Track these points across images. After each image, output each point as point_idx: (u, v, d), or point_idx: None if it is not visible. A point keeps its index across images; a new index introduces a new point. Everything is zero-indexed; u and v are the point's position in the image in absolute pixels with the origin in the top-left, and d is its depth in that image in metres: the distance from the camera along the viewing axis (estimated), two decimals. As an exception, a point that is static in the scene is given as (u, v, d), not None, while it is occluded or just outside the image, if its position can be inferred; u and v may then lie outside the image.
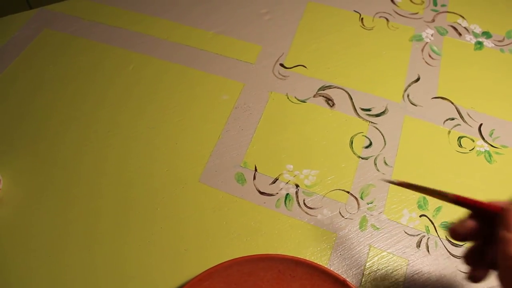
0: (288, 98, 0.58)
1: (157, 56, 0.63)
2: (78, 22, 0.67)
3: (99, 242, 0.48)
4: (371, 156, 0.53)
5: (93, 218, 0.49)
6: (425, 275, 0.47)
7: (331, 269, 0.45)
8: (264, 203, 0.50)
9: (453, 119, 0.57)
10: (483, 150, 0.55)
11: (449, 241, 0.49)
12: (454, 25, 0.67)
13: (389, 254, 0.47)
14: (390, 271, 0.47)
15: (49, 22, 0.67)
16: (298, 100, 0.58)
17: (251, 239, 0.47)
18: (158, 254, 0.47)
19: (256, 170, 0.52)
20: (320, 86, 0.59)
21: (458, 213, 0.48)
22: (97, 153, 0.54)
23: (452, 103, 0.58)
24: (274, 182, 0.51)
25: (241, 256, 0.44)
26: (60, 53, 0.63)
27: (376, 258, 0.47)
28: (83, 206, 0.50)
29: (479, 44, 0.65)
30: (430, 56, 0.63)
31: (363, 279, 0.46)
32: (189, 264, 0.46)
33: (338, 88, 0.59)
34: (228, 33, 0.65)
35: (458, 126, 0.56)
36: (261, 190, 0.50)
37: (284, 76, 0.60)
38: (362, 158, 0.53)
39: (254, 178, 0.51)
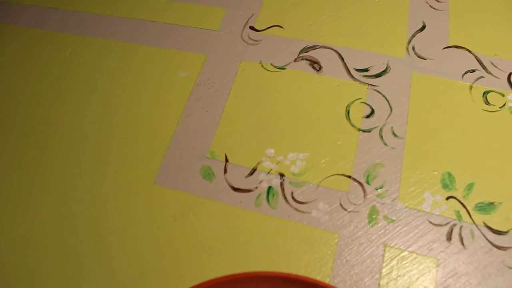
0: (262, 66, 0.51)
1: (99, 36, 0.56)
2: (6, 7, 0.60)
3: (32, 266, 0.40)
4: (375, 127, 0.46)
5: (24, 242, 0.42)
6: (463, 277, 0.38)
7: (335, 283, 0.38)
8: (240, 202, 0.43)
9: (473, 71, 0.50)
10: (518, 106, 0.47)
11: (490, 228, 0.40)
12: (461, -42, 0.58)
13: (412, 254, 0.40)
14: (416, 276, 0.38)
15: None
16: (276, 67, 0.51)
17: (226, 253, 0.41)
18: (105, 282, 0.39)
19: (227, 160, 0.45)
20: (302, 47, 0.52)
21: (493, 190, 0.42)
22: (27, 160, 0.46)
23: (470, 51, 0.51)
24: (251, 173, 0.45)
25: (213, 278, 0.36)
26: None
27: (394, 261, 0.39)
28: (12, 229, 0.43)
29: (495, -21, 0.57)
30: (435, -2, 0.56)
31: (380, 292, 0.38)
32: (146, 294, 0.39)
33: (325, 47, 0.52)
34: (185, -3, 0.58)
35: (482, 78, 0.49)
36: (235, 186, 0.44)
37: (255, 40, 0.53)
38: (364, 131, 0.46)
39: (225, 171, 0.45)
